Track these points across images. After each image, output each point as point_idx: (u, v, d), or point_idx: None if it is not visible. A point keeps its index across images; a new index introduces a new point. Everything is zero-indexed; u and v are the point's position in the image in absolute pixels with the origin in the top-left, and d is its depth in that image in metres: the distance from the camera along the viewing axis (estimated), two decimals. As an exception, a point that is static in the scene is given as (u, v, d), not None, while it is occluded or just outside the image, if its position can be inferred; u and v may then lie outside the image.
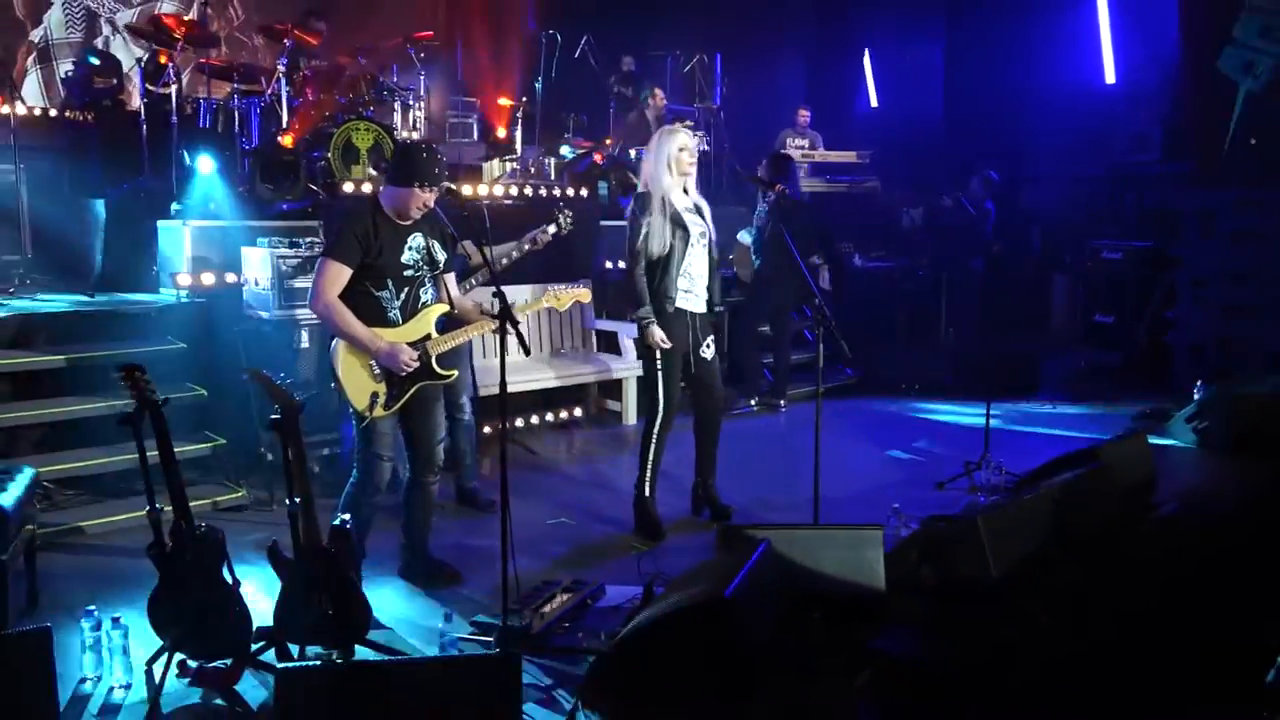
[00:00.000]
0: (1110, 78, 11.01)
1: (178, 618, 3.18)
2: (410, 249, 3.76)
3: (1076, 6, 11.09)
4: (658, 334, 4.59)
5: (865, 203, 10.62)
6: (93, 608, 3.33)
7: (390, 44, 7.92)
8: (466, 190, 6.87)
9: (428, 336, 3.81)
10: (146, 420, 3.14)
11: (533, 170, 8.56)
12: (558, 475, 5.91)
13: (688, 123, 8.96)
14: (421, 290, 3.82)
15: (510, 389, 6.44)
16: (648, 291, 4.58)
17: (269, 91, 7.08)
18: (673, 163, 4.60)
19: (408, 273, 3.78)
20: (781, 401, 7.54)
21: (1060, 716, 3.23)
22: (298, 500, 3.18)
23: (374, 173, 6.72)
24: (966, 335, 9.20)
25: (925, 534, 4.10)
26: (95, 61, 7.81)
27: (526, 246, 4.95)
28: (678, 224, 4.57)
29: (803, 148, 10.76)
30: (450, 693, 2.64)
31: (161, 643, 3.23)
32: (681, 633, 3.13)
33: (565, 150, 8.60)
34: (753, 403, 7.57)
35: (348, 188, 6.55)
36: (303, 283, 5.22)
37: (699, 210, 4.71)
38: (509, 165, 8.61)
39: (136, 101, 7.62)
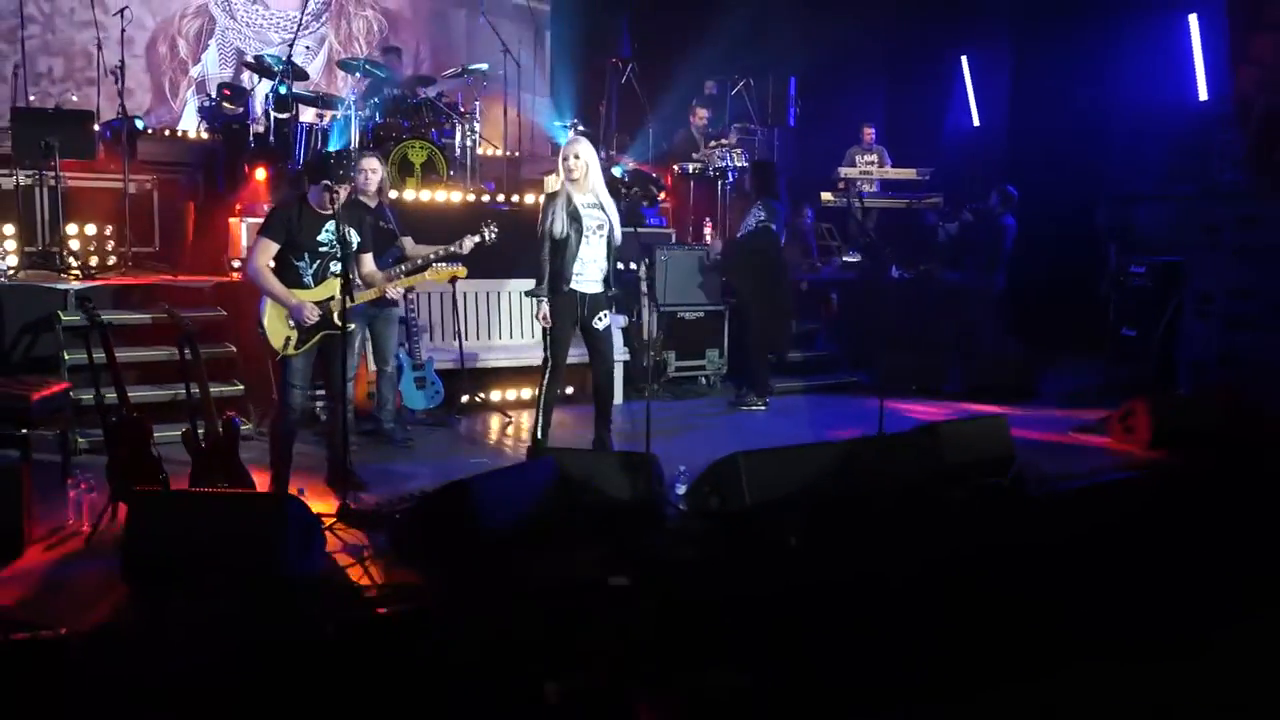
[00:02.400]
0: (1203, 94, 11.24)
1: (119, 479, 4.76)
2: (326, 231, 5.21)
3: (1166, 19, 11.38)
4: (543, 310, 5.88)
5: (922, 217, 11.40)
6: (76, 471, 4.97)
7: (449, 74, 9.55)
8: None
9: (331, 298, 5.25)
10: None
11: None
12: (520, 434, 7.26)
13: (724, 141, 10.12)
14: (332, 264, 5.26)
15: (507, 365, 7.90)
16: (548, 273, 5.87)
17: (341, 115, 8.83)
18: (562, 170, 5.92)
19: (321, 249, 5.24)
20: (758, 401, 8.21)
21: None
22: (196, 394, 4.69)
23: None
24: (986, 344, 9.82)
25: (711, 469, 5.16)
26: (226, 92, 9.85)
27: (451, 249, 6.29)
28: (574, 218, 5.85)
29: (871, 163, 11.66)
30: (241, 516, 4.05)
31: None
32: (436, 508, 4.42)
33: (615, 170, 9.95)
34: (761, 404, 8.18)
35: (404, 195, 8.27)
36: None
37: (603, 208, 5.96)
38: (562, 178, 10.04)
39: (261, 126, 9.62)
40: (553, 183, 10.18)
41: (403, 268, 5.77)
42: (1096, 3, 11.62)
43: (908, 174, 11.45)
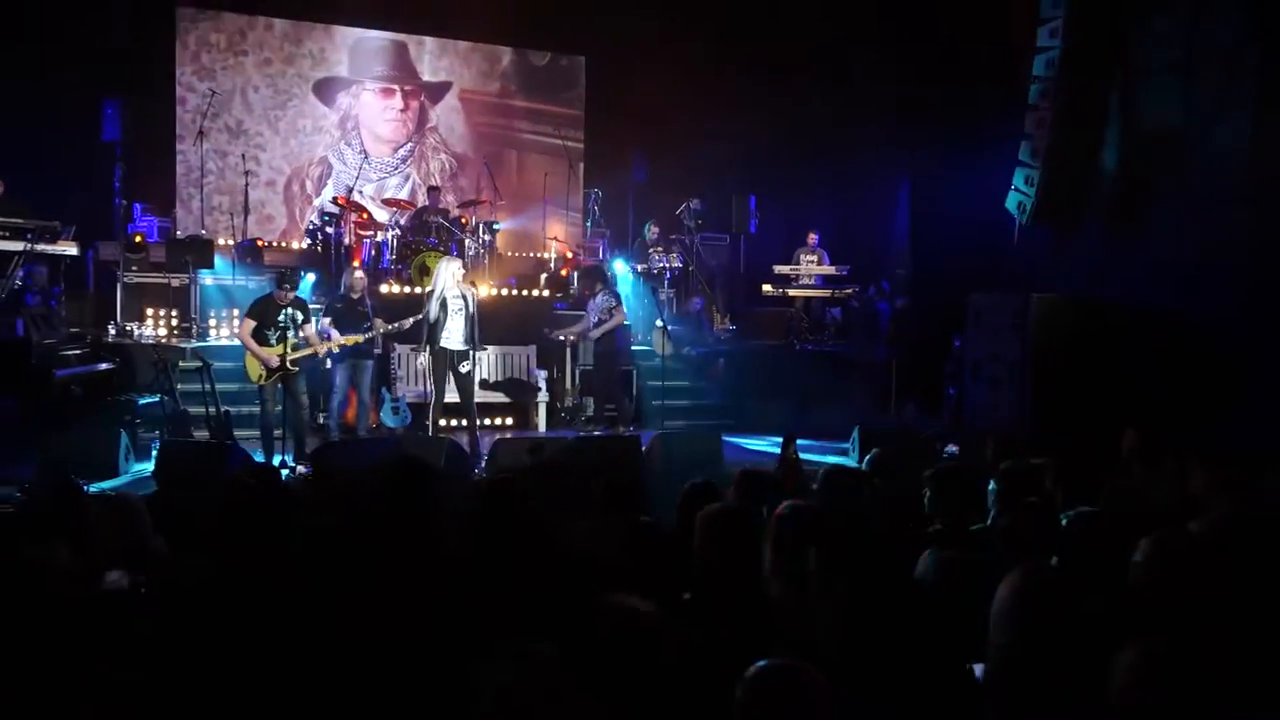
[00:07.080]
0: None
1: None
2: (284, 314, 9.38)
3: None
4: (422, 359, 9.89)
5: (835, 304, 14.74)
6: (158, 438, 9.31)
7: (463, 203, 13.91)
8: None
9: (285, 352, 9.37)
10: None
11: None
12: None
13: (660, 248, 13.91)
14: (288, 332, 9.38)
15: (457, 400, 11.87)
16: (425, 337, 9.85)
17: (384, 235, 13.28)
18: (443, 274, 9.95)
19: (280, 324, 9.38)
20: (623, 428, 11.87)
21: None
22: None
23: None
24: (858, 402, 13.00)
25: (489, 451, 8.92)
26: (326, 217, 14.50)
27: (393, 325, 10.33)
28: (443, 306, 9.83)
29: (812, 262, 15.08)
30: (210, 454, 8.21)
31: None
32: (321, 455, 8.45)
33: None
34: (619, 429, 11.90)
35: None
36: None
37: (464, 297, 9.90)
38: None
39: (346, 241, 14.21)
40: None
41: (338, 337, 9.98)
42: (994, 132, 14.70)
43: (829, 270, 14.78)
